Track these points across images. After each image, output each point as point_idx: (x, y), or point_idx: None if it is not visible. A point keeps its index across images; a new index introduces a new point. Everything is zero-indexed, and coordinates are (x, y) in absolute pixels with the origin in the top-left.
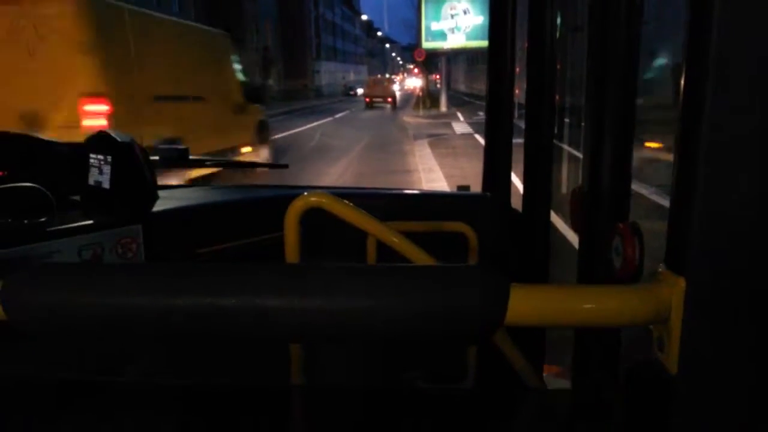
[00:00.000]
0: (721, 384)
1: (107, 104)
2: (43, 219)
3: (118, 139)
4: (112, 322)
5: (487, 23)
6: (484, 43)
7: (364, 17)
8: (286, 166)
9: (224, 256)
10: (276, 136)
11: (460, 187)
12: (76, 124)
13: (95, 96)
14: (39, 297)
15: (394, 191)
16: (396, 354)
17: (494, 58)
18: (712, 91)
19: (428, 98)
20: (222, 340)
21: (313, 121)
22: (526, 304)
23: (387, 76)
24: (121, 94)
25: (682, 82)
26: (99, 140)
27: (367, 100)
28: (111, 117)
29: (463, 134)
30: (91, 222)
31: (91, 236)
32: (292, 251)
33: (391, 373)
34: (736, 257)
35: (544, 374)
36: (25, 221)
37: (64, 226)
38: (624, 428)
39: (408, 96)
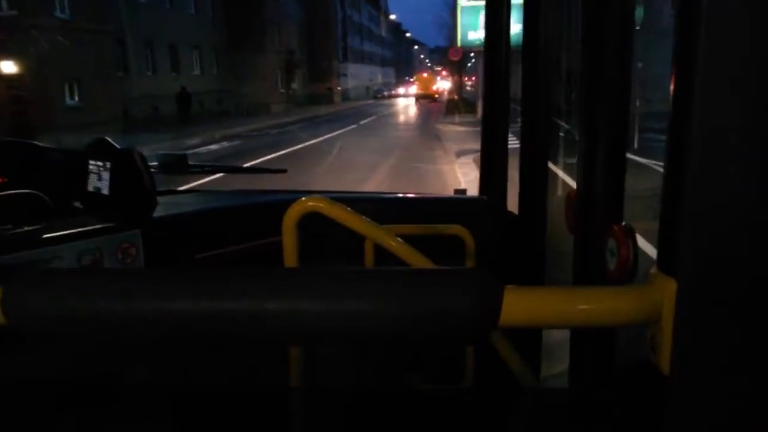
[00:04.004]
0: (713, 384)
1: None
2: (42, 225)
3: (117, 146)
4: (111, 328)
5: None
6: None
7: (393, 17)
8: (284, 171)
9: (223, 261)
10: (283, 152)
11: (457, 191)
12: None
13: None
14: (40, 303)
15: (391, 195)
16: (394, 355)
17: (489, 62)
18: (700, 96)
19: (462, 103)
20: (221, 343)
21: (334, 130)
22: (519, 306)
23: (425, 74)
24: None
25: (671, 87)
26: (98, 147)
27: (416, 93)
28: None
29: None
30: (90, 228)
31: (91, 242)
32: (290, 256)
33: (389, 373)
34: (727, 259)
35: (541, 374)
36: (25, 227)
37: (63, 232)
38: (619, 427)
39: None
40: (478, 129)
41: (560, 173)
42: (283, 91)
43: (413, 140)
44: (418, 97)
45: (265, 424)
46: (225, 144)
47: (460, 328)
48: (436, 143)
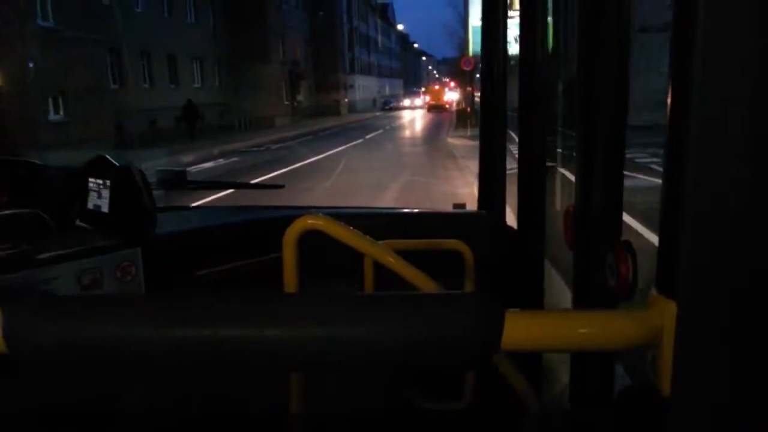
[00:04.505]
0: (714, 406)
1: None
2: (42, 244)
3: (117, 164)
4: (112, 355)
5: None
6: None
7: (400, 27)
8: (282, 187)
9: (223, 278)
10: (281, 170)
11: (456, 205)
12: None
13: None
14: (40, 332)
15: (390, 210)
16: (395, 372)
17: (486, 79)
18: (697, 126)
19: (474, 114)
20: (221, 369)
21: (339, 144)
22: (521, 330)
23: (436, 87)
24: None
25: (668, 107)
26: (97, 165)
27: (426, 104)
28: None
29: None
30: (90, 246)
31: (91, 261)
32: (290, 274)
33: (389, 390)
34: (727, 281)
35: (542, 392)
36: (25, 247)
37: (63, 251)
38: None
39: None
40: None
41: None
42: (287, 103)
43: (424, 157)
44: (430, 108)
45: None
46: (221, 161)
47: (462, 352)
48: (449, 161)
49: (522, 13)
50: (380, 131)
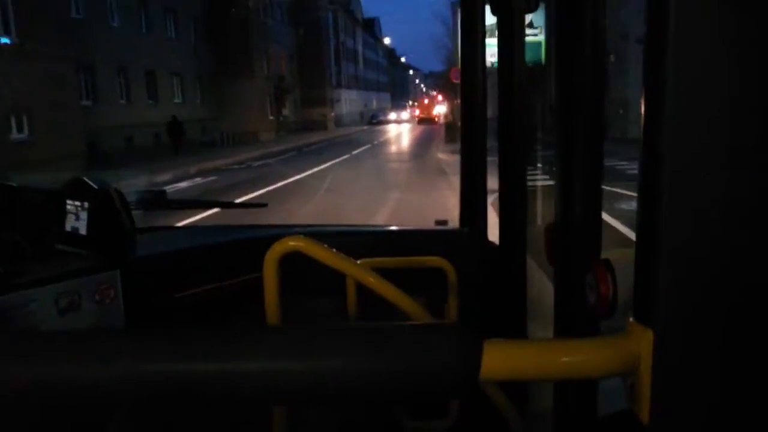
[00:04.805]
0: None
1: None
2: (18, 267)
3: (95, 186)
4: (89, 392)
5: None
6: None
7: (387, 40)
8: (264, 205)
9: (205, 298)
10: (260, 191)
11: (437, 222)
12: None
13: None
14: (13, 370)
15: (372, 228)
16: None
17: (466, 95)
18: (670, 145)
19: None
20: (201, 404)
21: (324, 161)
22: (499, 361)
23: (426, 101)
24: None
25: (641, 125)
26: (75, 186)
27: (417, 117)
28: None
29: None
30: (67, 269)
31: (68, 284)
32: (271, 296)
33: (375, 408)
34: (704, 310)
35: (527, 414)
36: (0, 270)
37: (39, 275)
38: None
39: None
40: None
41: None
42: (272, 118)
43: (414, 175)
44: (420, 120)
45: None
46: (198, 180)
47: (441, 384)
48: (440, 179)
49: (499, 27)
50: (367, 146)
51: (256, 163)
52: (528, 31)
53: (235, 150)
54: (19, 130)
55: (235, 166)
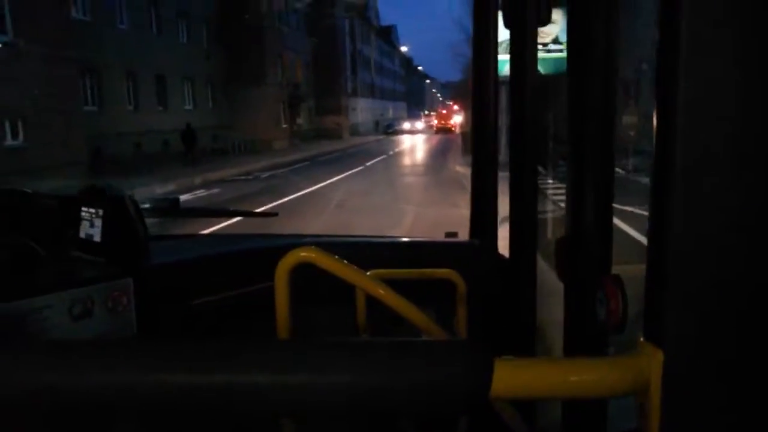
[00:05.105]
0: None
1: None
2: (32, 274)
3: (110, 193)
4: (100, 402)
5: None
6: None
7: (404, 48)
8: (276, 215)
9: (217, 307)
10: (262, 208)
11: (448, 234)
12: None
13: None
14: (26, 377)
15: (383, 239)
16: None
17: (477, 106)
18: (682, 162)
19: None
20: (209, 416)
21: (336, 173)
22: (509, 379)
23: (444, 111)
24: None
25: (654, 140)
26: (91, 193)
27: (435, 126)
28: None
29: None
30: (81, 276)
31: (82, 291)
32: (282, 308)
33: (383, 422)
34: (715, 330)
35: (536, 430)
36: (15, 276)
37: (53, 281)
38: None
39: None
40: (507, 174)
41: None
42: (286, 126)
43: (432, 191)
44: (438, 129)
45: None
46: (200, 193)
47: (450, 401)
48: (460, 195)
49: (512, 40)
50: (383, 157)
51: (265, 174)
52: (553, 46)
53: (245, 159)
54: (14, 136)
55: (243, 177)
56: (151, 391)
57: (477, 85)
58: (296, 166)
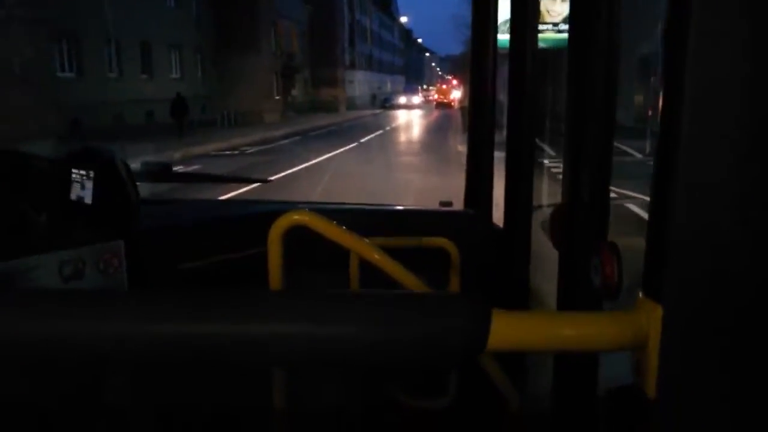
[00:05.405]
0: (699, 408)
1: None
2: (23, 235)
3: (101, 155)
4: (94, 351)
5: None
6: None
7: (404, 19)
8: (267, 181)
9: (208, 271)
10: (244, 188)
11: (442, 203)
12: None
13: None
14: (20, 326)
15: (377, 207)
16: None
17: (475, 76)
18: (688, 125)
19: None
20: (204, 366)
21: (328, 150)
22: (507, 330)
23: (444, 86)
24: None
25: (660, 110)
26: (81, 155)
27: (435, 101)
28: None
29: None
30: (72, 238)
31: (73, 252)
32: (275, 270)
33: (372, 386)
34: (713, 286)
35: (525, 394)
36: (5, 236)
37: (44, 242)
38: None
39: (444, 111)
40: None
41: None
42: (279, 97)
43: (431, 172)
44: (438, 104)
45: None
46: (178, 170)
47: (448, 353)
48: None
49: (512, 14)
50: (379, 132)
51: (251, 149)
52: (563, 26)
53: (233, 132)
54: None
55: (227, 152)
56: (145, 340)
57: (476, 57)
58: (287, 140)
